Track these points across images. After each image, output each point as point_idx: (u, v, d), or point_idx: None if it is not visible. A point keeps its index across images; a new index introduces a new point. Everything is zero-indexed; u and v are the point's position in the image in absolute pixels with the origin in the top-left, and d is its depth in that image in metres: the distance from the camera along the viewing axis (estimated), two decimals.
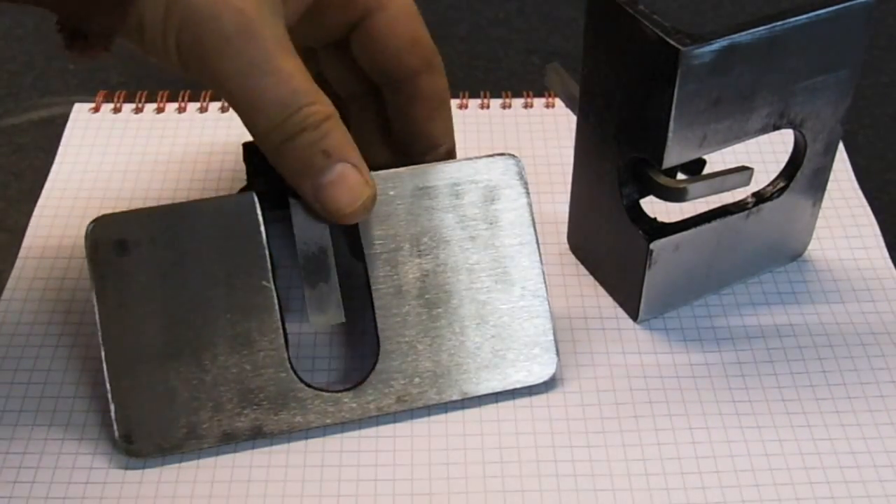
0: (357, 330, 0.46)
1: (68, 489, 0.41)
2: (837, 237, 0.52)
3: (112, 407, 0.41)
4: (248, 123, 0.39)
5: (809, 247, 0.51)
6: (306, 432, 0.43)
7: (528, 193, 0.44)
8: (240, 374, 0.41)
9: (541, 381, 0.44)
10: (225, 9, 0.37)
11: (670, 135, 0.41)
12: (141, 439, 0.41)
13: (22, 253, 0.50)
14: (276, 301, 0.41)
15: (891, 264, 0.50)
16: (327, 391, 0.42)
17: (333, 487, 0.41)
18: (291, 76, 0.38)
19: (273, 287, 0.41)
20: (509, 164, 0.44)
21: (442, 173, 0.43)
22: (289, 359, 0.42)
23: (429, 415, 0.43)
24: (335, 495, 0.41)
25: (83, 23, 0.38)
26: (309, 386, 0.42)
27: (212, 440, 0.41)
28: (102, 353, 0.40)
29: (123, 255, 0.39)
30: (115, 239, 0.39)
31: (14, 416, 0.43)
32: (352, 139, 0.40)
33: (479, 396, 0.44)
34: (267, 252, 0.41)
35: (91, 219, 0.40)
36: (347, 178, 0.39)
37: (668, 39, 0.39)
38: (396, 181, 0.42)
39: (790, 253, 0.50)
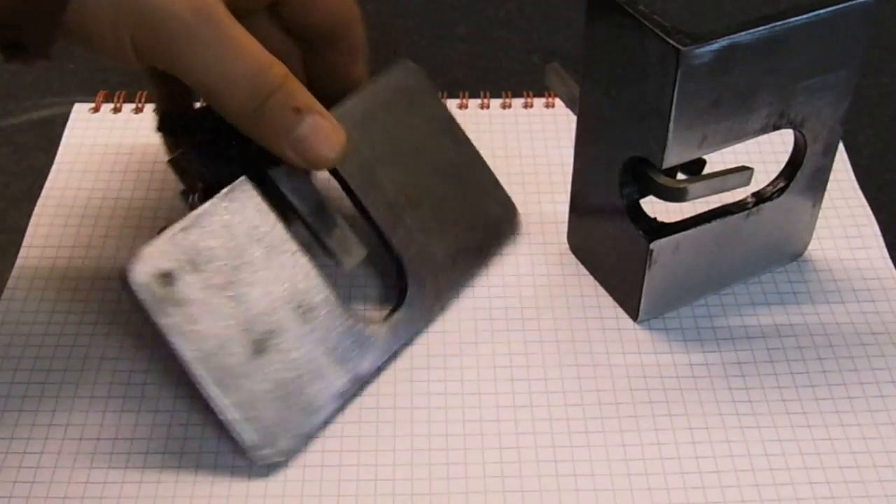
0: (375, 260, 0.47)
1: (68, 489, 0.41)
2: (837, 237, 0.52)
3: (233, 423, 0.40)
4: (221, 102, 0.40)
5: (809, 247, 0.51)
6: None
7: (434, 88, 0.49)
8: (317, 340, 0.43)
9: (517, 222, 0.51)
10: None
11: (670, 135, 0.41)
12: (272, 441, 0.41)
13: (22, 253, 0.50)
14: (309, 262, 0.43)
15: (891, 264, 0.50)
16: (386, 318, 0.45)
17: (333, 487, 0.41)
18: (250, 46, 0.40)
19: (301, 251, 0.43)
20: (410, 69, 0.48)
21: (372, 97, 0.46)
22: (342, 306, 0.44)
23: (429, 414, 0.44)
24: (335, 495, 0.41)
25: (18, 33, 0.38)
26: (371, 322, 0.45)
27: (327, 411, 0.43)
28: (202, 379, 0.40)
29: (172, 284, 0.39)
30: (157, 274, 0.39)
31: (14, 416, 0.43)
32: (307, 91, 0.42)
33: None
34: (280, 223, 0.43)
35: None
36: (321, 127, 0.41)
37: (668, 39, 0.39)
38: (345, 115, 0.44)
39: (790, 253, 0.50)
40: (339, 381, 0.43)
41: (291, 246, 0.43)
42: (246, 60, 0.39)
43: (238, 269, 0.41)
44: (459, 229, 0.48)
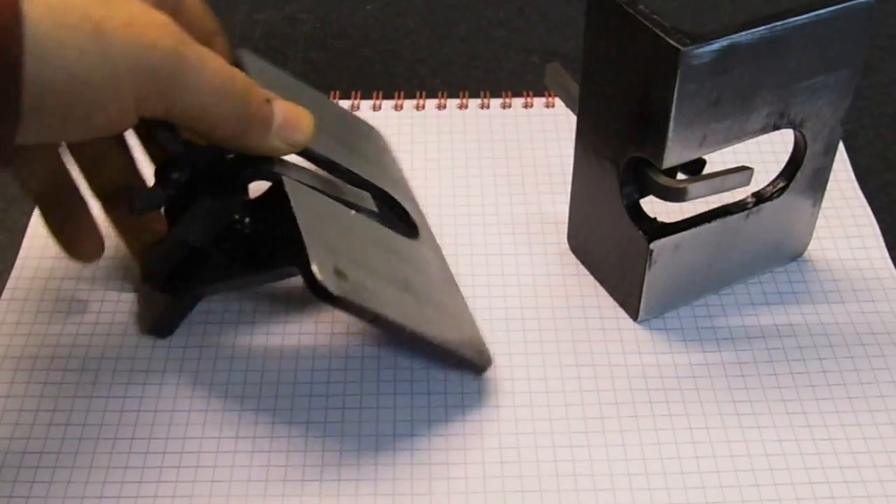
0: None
1: (67, 489, 0.41)
2: (837, 237, 0.52)
3: (460, 353, 0.44)
4: (216, 119, 0.40)
5: (809, 247, 0.51)
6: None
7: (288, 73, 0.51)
8: (425, 268, 0.47)
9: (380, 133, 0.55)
10: (155, 28, 0.37)
11: (670, 135, 0.41)
12: (482, 355, 0.45)
13: (22, 253, 0.50)
14: (365, 217, 0.45)
15: (891, 264, 0.50)
16: (419, 245, 0.49)
17: (333, 487, 0.41)
18: (216, 57, 0.40)
19: (358, 213, 0.45)
20: (252, 55, 0.48)
21: (264, 84, 0.46)
22: (410, 240, 0.48)
23: (429, 413, 0.44)
24: (335, 495, 0.41)
25: None
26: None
27: (472, 314, 0.47)
28: (426, 333, 0.42)
29: (346, 275, 0.40)
30: (334, 274, 0.40)
31: (14, 416, 0.43)
32: None
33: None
34: (331, 198, 0.44)
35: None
36: (289, 109, 0.42)
37: (668, 39, 0.39)
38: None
39: (790, 253, 0.50)
40: (457, 290, 0.48)
41: (348, 212, 0.44)
42: (222, 72, 0.40)
43: (350, 245, 0.42)
44: (371, 157, 0.52)
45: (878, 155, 0.57)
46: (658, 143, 0.42)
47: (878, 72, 0.63)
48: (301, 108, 0.43)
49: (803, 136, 0.45)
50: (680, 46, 0.39)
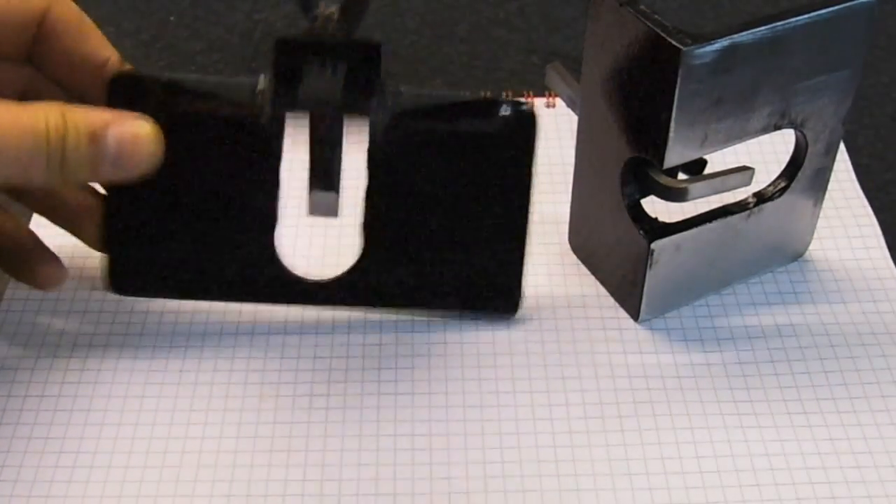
0: None
1: (68, 488, 0.41)
2: (838, 237, 0.52)
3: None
4: (30, 180, 0.38)
5: (810, 247, 0.51)
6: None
7: None
8: None
9: None
10: None
11: (671, 135, 0.41)
12: None
13: None
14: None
15: (892, 264, 0.50)
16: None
17: (334, 487, 0.41)
18: (11, 112, 0.38)
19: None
20: None
21: None
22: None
23: (430, 413, 0.44)
24: (336, 495, 0.41)
25: None
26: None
27: None
28: None
29: None
30: None
31: (15, 416, 0.43)
32: None
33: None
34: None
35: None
36: (125, 135, 0.39)
37: (668, 39, 0.39)
38: None
39: (791, 253, 0.50)
40: None
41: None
42: (19, 126, 0.37)
43: None
44: None
45: (878, 155, 0.57)
46: (659, 143, 0.42)
47: (879, 72, 0.63)
48: (141, 127, 0.39)
49: (804, 136, 0.45)
50: (681, 46, 0.39)
